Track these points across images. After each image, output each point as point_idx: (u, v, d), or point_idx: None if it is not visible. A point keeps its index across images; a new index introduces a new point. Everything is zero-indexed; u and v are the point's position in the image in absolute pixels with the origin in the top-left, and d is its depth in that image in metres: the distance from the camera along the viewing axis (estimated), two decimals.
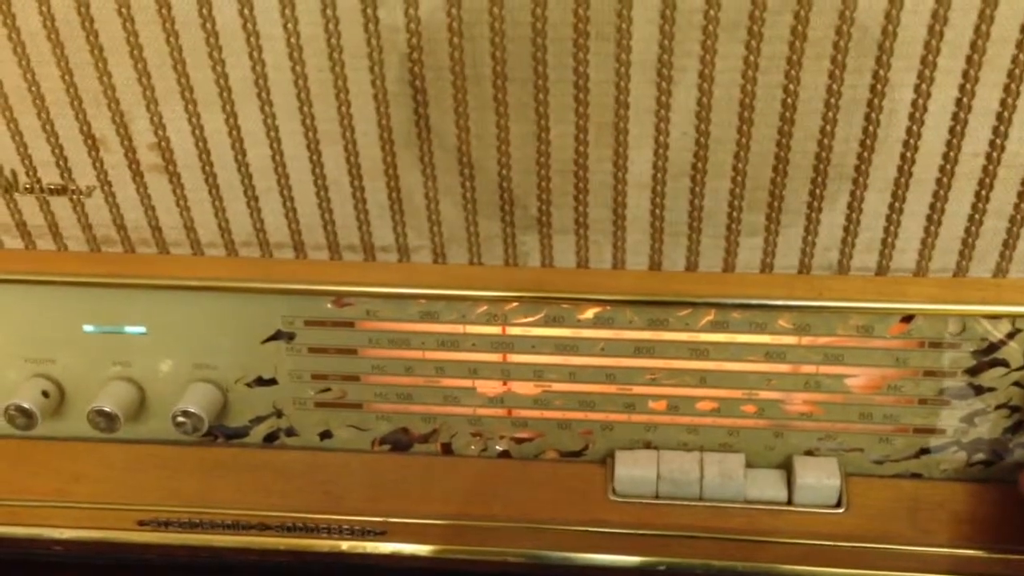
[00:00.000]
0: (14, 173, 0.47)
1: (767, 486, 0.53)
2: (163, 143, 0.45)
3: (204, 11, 0.41)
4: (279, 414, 0.54)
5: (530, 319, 0.50)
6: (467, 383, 0.52)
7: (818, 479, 0.52)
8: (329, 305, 0.50)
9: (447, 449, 0.55)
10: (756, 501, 0.53)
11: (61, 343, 0.53)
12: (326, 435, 0.55)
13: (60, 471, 0.55)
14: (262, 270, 0.49)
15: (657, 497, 0.53)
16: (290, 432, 0.55)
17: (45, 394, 0.53)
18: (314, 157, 0.45)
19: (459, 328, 0.50)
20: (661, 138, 0.43)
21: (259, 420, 0.54)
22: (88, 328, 0.52)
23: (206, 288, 0.50)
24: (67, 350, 0.53)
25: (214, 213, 0.47)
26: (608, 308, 0.49)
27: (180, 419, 0.52)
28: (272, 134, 0.44)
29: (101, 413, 0.52)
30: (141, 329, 0.52)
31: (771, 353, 0.50)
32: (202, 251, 0.49)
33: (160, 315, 0.52)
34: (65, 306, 0.52)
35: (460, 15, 0.40)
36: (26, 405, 0.52)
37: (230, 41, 0.42)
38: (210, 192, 0.47)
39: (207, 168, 0.46)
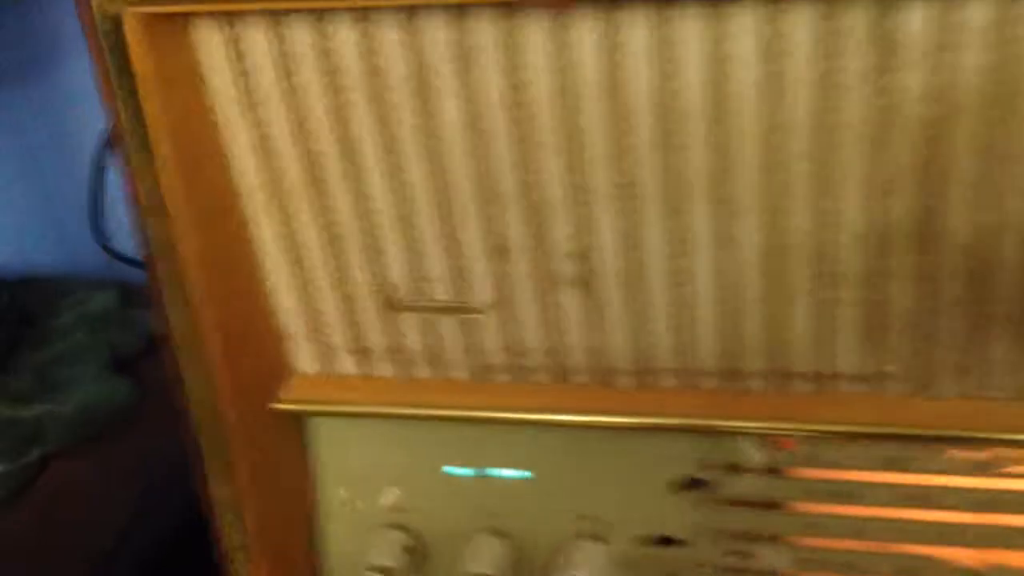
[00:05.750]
0: (401, 289, 0.41)
1: None
2: (585, 252, 0.38)
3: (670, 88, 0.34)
4: None
5: None
6: (930, 551, 0.41)
7: None
8: (753, 447, 0.41)
9: None
10: None
11: (422, 487, 0.46)
12: None
13: None
14: (679, 403, 0.40)
15: None
16: None
17: (407, 550, 0.46)
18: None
19: (935, 480, 0.40)
20: None
21: None
22: (456, 471, 0.45)
23: (607, 426, 0.41)
24: (429, 496, 0.46)
25: (634, 335, 0.39)
26: None
27: None
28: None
29: None
30: (518, 473, 0.44)
31: None
32: (608, 380, 0.41)
33: (543, 455, 0.43)
34: (430, 444, 0.45)
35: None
36: (388, 563, 0.45)
37: (693, 123, 0.35)
38: (632, 311, 0.39)
39: (634, 282, 0.38)
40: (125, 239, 0.77)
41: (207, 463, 0.44)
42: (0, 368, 0.68)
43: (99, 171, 0.76)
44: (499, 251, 0.38)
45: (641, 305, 0.38)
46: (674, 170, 0.35)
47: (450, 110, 0.36)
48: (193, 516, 0.60)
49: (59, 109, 0.78)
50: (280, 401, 0.44)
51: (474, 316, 0.40)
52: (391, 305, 0.41)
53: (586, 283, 0.38)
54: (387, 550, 0.45)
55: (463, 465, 0.45)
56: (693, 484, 0.42)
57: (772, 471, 0.41)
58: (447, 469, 0.44)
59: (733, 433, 0.40)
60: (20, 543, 0.56)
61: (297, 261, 0.41)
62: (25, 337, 0.72)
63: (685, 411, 0.40)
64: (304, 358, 0.44)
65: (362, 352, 0.43)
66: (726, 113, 0.34)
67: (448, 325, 0.41)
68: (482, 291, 0.39)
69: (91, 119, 0.74)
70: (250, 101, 0.37)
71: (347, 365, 0.43)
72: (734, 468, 0.41)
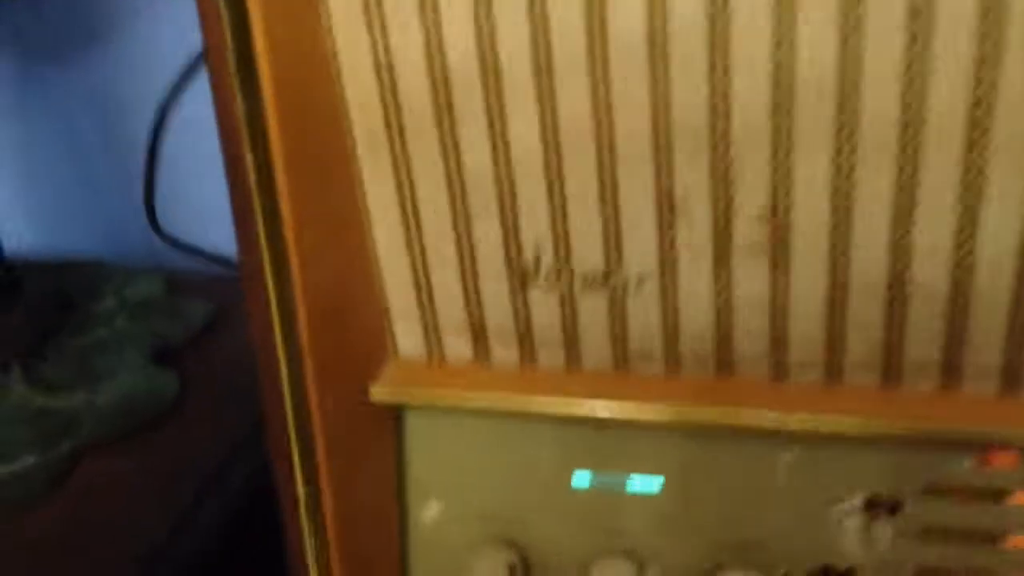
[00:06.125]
0: (538, 257, 0.34)
1: None
2: (780, 212, 0.31)
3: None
4: None
5: None
6: None
7: None
8: (968, 463, 0.34)
9: None
10: None
11: (537, 498, 0.38)
12: None
13: None
14: (873, 406, 0.33)
15: None
16: None
17: (512, 570, 0.39)
18: None
19: None
20: None
21: None
22: (582, 480, 0.38)
23: (776, 431, 0.34)
24: (545, 509, 0.38)
25: (829, 320, 0.32)
26: None
27: None
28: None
29: None
30: (658, 486, 0.37)
31: None
32: (786, 375, 0.34)
33: (689, 465, 0.36)
34: (552, 446, 0.37)
35: None
36: None
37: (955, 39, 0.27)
38: (831, 292, 0.31)
39: (839, 255, 0.31)
40: (175, 226, 0.73)
41: (289, 458, 0.37)
42: (35, 355, 0.63)
43: (151, 152, 0.72)
44: (669, 208, 0.31)
45: (844, 284, 0.31)
46: (922, 106, 0.28)
47: (626, 26, 0.29)
48: (242, 520, 0.54)
49: (107, 90, 0.74)
50: (376, 390, 0.37)
51: (627, 291, 0.33)
52: (523, 275, 0.34)
53: (775, 253, 0.31)
54: (489, 569, 0.38)
55: (590, 474, 0.37)
56: (878, 507, 0.35)
57: (987, 495, 0.33)
58: (573, 478, 0.37)
59: (941, 444, 0.33)
60: (49, 543, 0.50)
61: (412, 215, 0.34)
62: (63, 323, 0.67)
63: (879, 415, 0.33)
64: (409, 339, 0.37)
65: (480, 333, 0.36)
66: (1004, 23, 0.27)
67: (592, 302, 0.34)
68: (641, 259, 0.32)
69: (141, 99, 0.71)
70: (379, 8, 0.30)
71: (460, 349, 0.36)
72: (936, 490, 0.34)
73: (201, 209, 0.73)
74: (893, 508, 0.34)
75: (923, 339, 0.31)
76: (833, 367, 0.32)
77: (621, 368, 0.35)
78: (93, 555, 0.50)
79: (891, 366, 0.32)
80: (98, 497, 0.54)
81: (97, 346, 0.66)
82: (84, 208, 0.80)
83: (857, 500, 0.35)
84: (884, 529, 0.35)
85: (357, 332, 0.37)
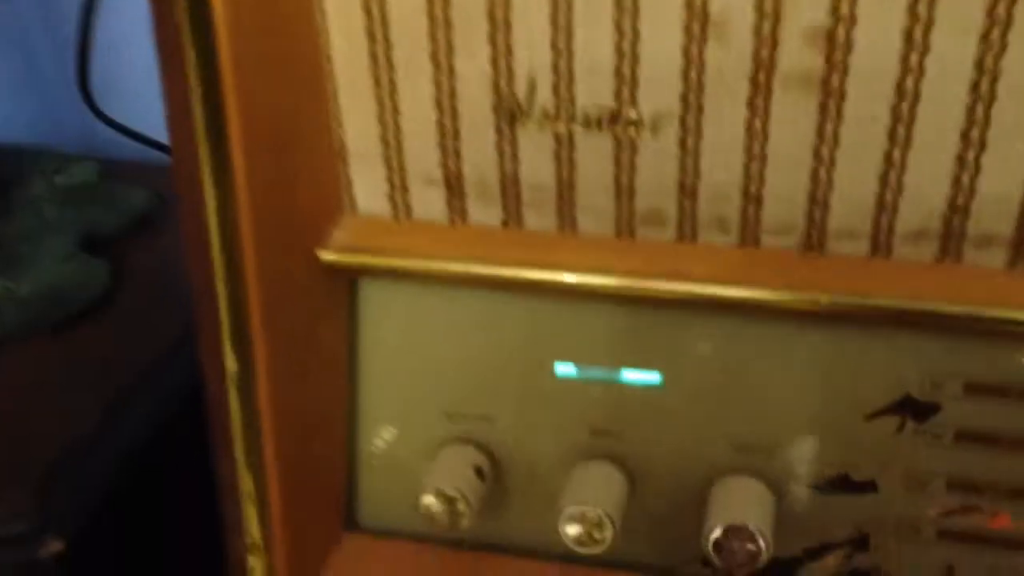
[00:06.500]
0: (532, 88, 0.28)
1: None
2: (839, 32, 0.25)
3: None
4: (861, 543, 0.32)
5: None
6: None
7: None
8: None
9: None
10: None
11: (513, 388, 0.33)
12: None
13: None
14: (920, 285, 0.28)
15: None
16: None
17: (479, 473, 0.33)
18: None
19: None
20: None
21: (824, 549, 0.32)
22: (563, 370, 0.32)
23: (792, 309, 0.28)
24: (522, 401, 0.33)
25: (878, 179, 0.27)
26: None
27: (714, 540, 0.30)
28: None
29: (583, 519, 0.31)
30: (651, 377, 0.32)
31: None
32: (822, 246, 0.28)
33: (689, 353, 0.31)
34: (534, 326, 0.32)
35: None
36: (452, 488, 0.32)
37: None
38: (895, 141, 0.26)
39: (906, 94, 0.25)
40: (114, 110, 0.67)
41: (218, 332, 0.31)
42: None
43: (85, 20, 0.65)
44: (701, 26, 0.25)
45: (908, 131, 0.25)
46: None
47: None
48: (175, 421, 0.49)
49: None
50: (327, 252, 0.31)
51: (640, 134, 0.27)
52: (512, 112, 0.28)
53: (827, 88, 0.25)
54: (453, 470, 0.33)
55: (575, 362, 0.32)
56: (908, 407, 0.30)
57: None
58: (556, 366, 0.32)
59: (998, 333, 0.28)
60: None
61: (380, 34, 0.28)
62: None
63: (931, 294, 0.27)
64: (370, 191, 0.31)
65: (455, 185, 0.30)
66: None
67: (595, 147, 0.28)
68: (660, 93, 0.26)
69: None
70: None
71: (431, 204, 0.30)
72: (982, 389, 0.29)
73: (140, 90, 0.66)
74: (929, 410, 0.29)
75: (994, 209, 0.26)
76: (880, 237, 0.27)
77: (624, 234, 0.29)
78: (10, 448, 0.45)
79: (951, 237, 0.26)
80: (18, 390, 0.48)
81: (23, 234, 0.60)
82: (16, 89, 0.73)
83: (889, 399, 0.30)
84: (915, 434, 0.30)
85: (306, 181, 0.31)
